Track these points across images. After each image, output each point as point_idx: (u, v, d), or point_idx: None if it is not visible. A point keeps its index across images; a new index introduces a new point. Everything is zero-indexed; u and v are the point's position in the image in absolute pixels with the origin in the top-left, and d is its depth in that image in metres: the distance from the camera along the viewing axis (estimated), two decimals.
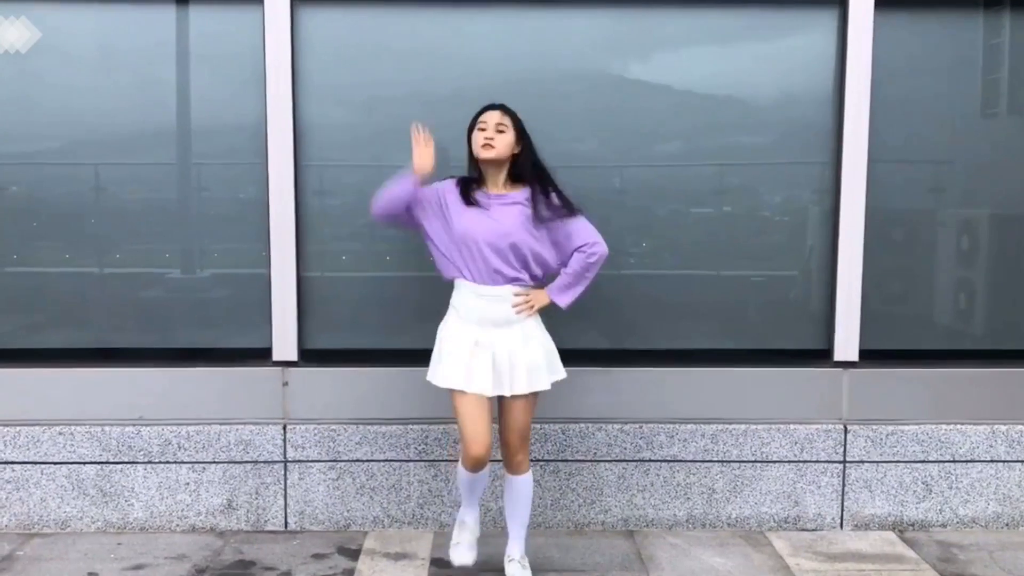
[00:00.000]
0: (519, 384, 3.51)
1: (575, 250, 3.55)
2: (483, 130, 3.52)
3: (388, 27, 4.21)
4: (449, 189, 3.60)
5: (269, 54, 4.13)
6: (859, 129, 4.21)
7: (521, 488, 3.67)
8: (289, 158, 4.16)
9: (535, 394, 3.58)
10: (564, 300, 3.59)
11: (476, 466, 3.55)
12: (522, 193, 3.56)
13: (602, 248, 3.57)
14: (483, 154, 3.51)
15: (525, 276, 3.56)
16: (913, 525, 4.35)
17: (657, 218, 4.38)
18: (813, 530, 4.33)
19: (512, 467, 3.65)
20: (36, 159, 4.28)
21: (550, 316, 3.78)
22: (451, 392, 3.53)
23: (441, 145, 4.16)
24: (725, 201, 4.38)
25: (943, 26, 4.33)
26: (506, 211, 3.52)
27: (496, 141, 3.50)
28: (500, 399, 3.58)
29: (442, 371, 3.54)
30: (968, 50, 4.37)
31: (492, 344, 3.50)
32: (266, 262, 4.23)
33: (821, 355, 4.34)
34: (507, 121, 3.53)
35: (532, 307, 3.55)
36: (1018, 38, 4.34)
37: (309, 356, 4.27)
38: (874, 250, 4.30)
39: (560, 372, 3.63)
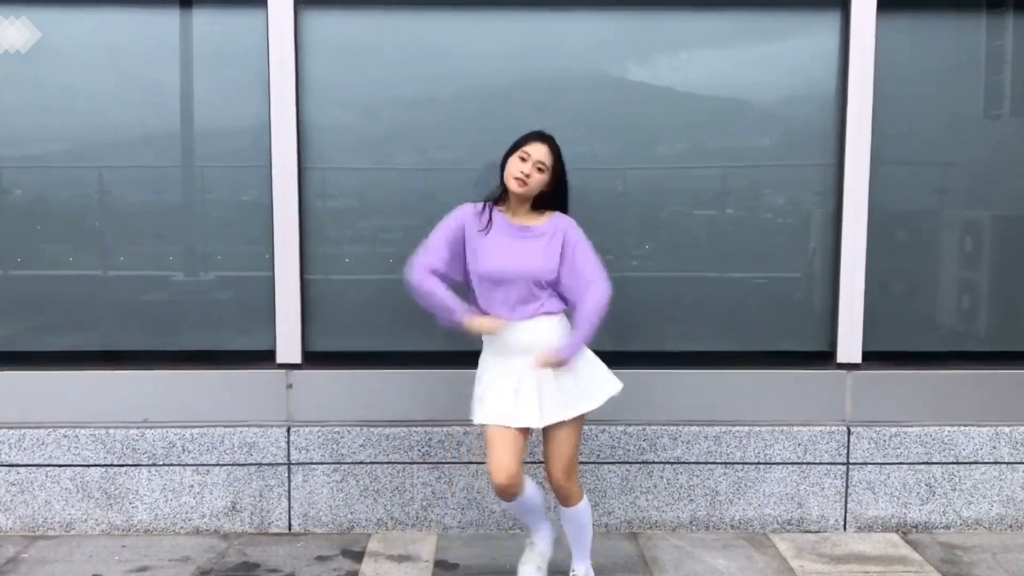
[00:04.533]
0: (549, 414, 3.36)
1: (584, 288, 3.38)
2: (524, 160, 3.35)
3: (392, 29, 4.22)
4: (469, 222, 3.44)
5: (273, 56, 4.13)
6: (862, 131, 4.21)
7: (575, 518, 3.53)
8: (293, 160, 4.17)
9: (576, 423, 3.42)
10: (566, 352, 3.37)
11: (505, 496, 3.38)
12: (548, 225, 3.43)
13: (604, 288, 3.39)
14: (514, 188, 3.36)
15: (545, 304, 3.42)
16: (916, 527, 4.35)
17: (660, 220, 4.38)
18: (816, 532, 4.33)
19: (562, 500, 3.49)
20: (40, 162, 4.29)
21: None
22: (484, 427, 3.42)
23: (445, 145, 4.20)
24: (728, 203, 4.39)
25: (945, 28, 4.34)
26: (531, 245, 3.39)
27: (531, 179, 3.34)
28: (543, 431, 3.44)
29: (479, 407, 3.42)
30: (971, 52, 4.37)
31: (520, 374, 3.35)
32: (270, 264, 4.23)
33: (824, 357, 4.34)
34: (549, 162, 3.37)
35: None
36: (1021, 40, 4.33)
37: (313, 358, 4.27)
38: (877, 252, 4.30)
39: (606, 391, 3.45)
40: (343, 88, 4.25)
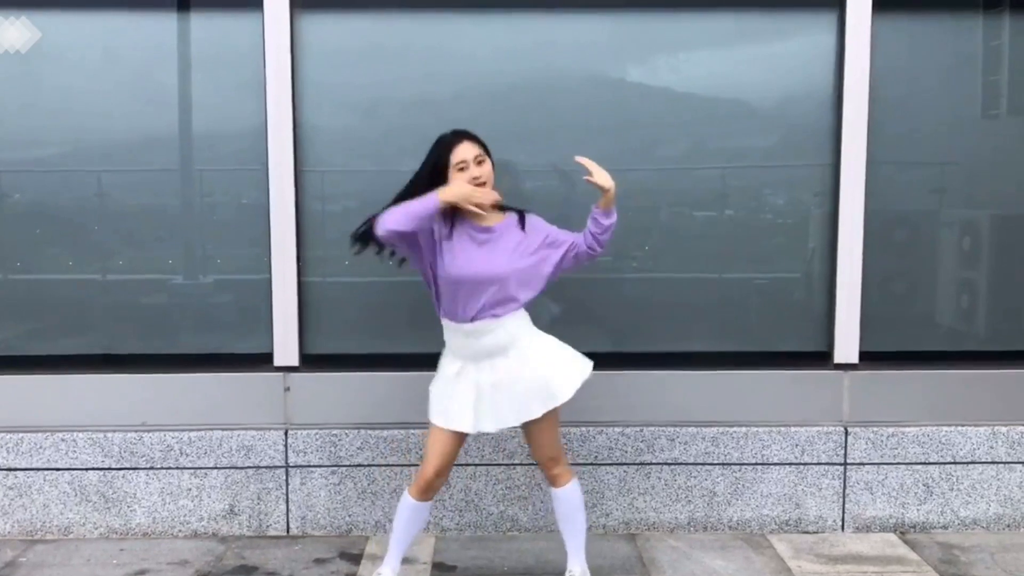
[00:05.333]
0: (524, 412, 3.37)
1: (586, 235, 3.42)
2: (464, 170, 3.30)
3: (387, 32, 4.22)
4: (442, 222, 3.38)
5: (269, 59, 4.14)
6: (858, 131, 4.21)
7: (565, 500, 3.53)
8: (289, 163, 4.17)
9: (552, 409, 3.40)
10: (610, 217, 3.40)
11: (428, 488, 3.46)
12: (509, 220, 3.42)
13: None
14: None
15: (513, 303, 3.40)
16: (914, 527, 4.35)
17: (658, 221, 4.39)
18: (814, 532, 4.33)
19: (552, 480, 3.54)
20: (39, 166, 4.29)
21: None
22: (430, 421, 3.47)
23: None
24: (726, 204, 4.39)
25: (942, 28, 4.34)
26: (501, 244, 3.37)
27: (484, 177, 3.33)
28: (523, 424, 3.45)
29: (433, 407, 3.46)
30: (968, 51, 4.37)
31: (480, 375, 3.39)
32: (267, 267, 4.23)
33: (821, 357, 4.34)
34: (479, 150, 3.35)
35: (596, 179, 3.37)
36: (1018, 39, 4.34)
37: (310, 361, 4.28)
38: (874, 252, 4.30)
39: (564, 390, 3.40)
40: (340, 90, 4.25)
